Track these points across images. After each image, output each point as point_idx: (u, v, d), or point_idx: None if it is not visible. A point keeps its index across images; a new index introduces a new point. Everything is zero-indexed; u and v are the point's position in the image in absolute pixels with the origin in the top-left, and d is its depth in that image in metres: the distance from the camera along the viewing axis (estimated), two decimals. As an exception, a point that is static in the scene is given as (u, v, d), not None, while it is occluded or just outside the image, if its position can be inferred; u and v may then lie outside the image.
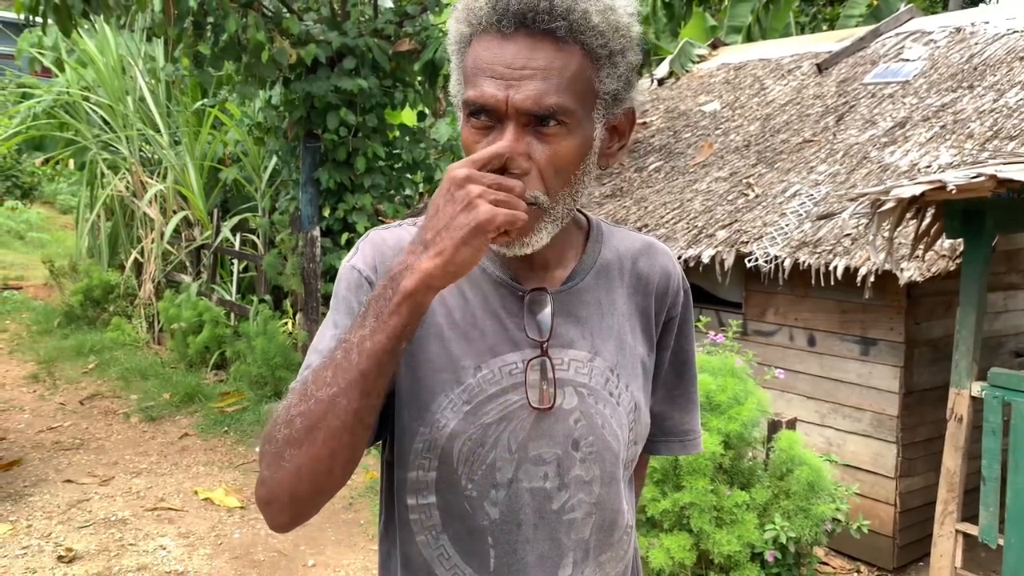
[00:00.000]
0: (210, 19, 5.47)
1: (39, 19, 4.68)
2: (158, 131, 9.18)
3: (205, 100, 8.60)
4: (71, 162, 11.23)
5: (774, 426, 3.27)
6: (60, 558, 4.05)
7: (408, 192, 7.41)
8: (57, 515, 4.56)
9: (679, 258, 4.60)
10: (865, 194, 3.08)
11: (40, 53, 9.49)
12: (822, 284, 4.01)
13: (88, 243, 10.38)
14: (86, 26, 8.83)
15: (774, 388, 4.34)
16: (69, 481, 5.05)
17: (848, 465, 4.10)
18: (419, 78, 6.51)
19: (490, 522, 1.02)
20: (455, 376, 1.01)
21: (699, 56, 7.58)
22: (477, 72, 0.93)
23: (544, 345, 1.03)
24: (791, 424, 3.33)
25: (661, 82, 7.59)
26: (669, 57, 7.60)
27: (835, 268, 3.92)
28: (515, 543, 1.03)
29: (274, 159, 7.83)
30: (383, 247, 1.04)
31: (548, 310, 1.04)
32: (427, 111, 7.48)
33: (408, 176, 7.28)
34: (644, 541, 2.99)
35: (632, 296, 1.13)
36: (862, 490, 4.04)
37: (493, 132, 0.93)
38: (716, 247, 4.50)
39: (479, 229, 0.81)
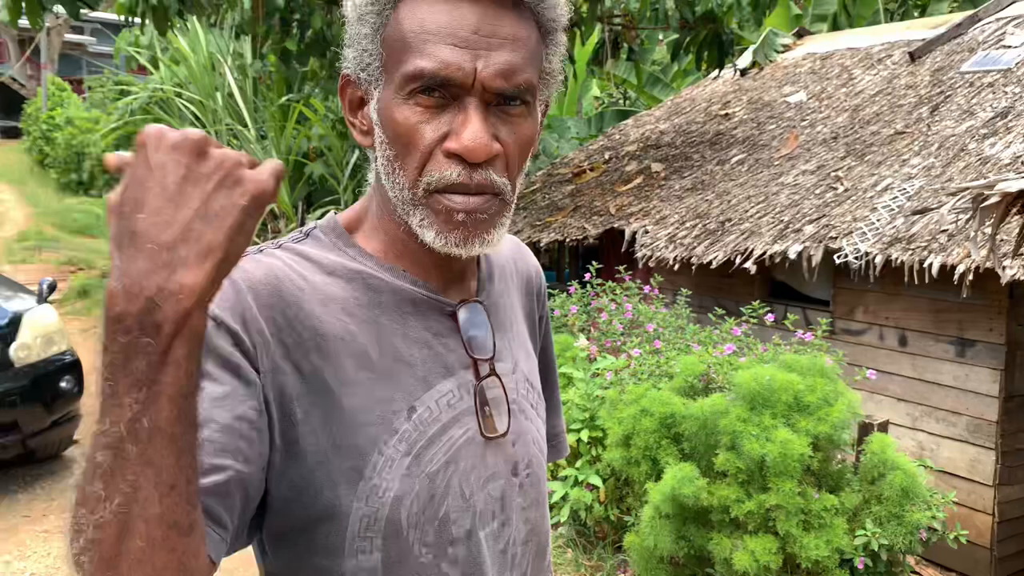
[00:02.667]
0: (296, 16, 5.61)
1: (137, 19, 4.90)
2: (245, 126, 9.48)
3: (290, 96, 8.85)
4: (164, 156, 11.70)
5: (865, 429, 3.17)
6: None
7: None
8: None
9: (763, 253, 4.49)
10: (967, 188, 2.95)
11: (136, 52, 9.92)
12: (915, 282, 3.85)
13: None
14: (179, 25, 9.19)
15: (863, 389, 4.20)
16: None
17: (942, 471, 3.94)
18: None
19: None
20: (387, 425, 0.79)
21: (783, 45, 7.38)
22: (428, 37, 0.75)
23: (491, 363, 0.88)
24: (883, 427, 3.22)
25: (744, 72, 7.42)
26: (752, 47, 7.43)
27: (930, 265, 3.76)
28: None
29: (356, 153, 8.00)
30: (248, 286, 0.76)
31: (479, 324, 0.89)
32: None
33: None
34: (727, 542, 2.95)
35: (521, 299, 1.02)
36: (957, 497, 3.88)
37: (447, 110, 0.76)
38: (803, 243, 4.38)
39: (257, 204, 0.57)
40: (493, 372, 0.88)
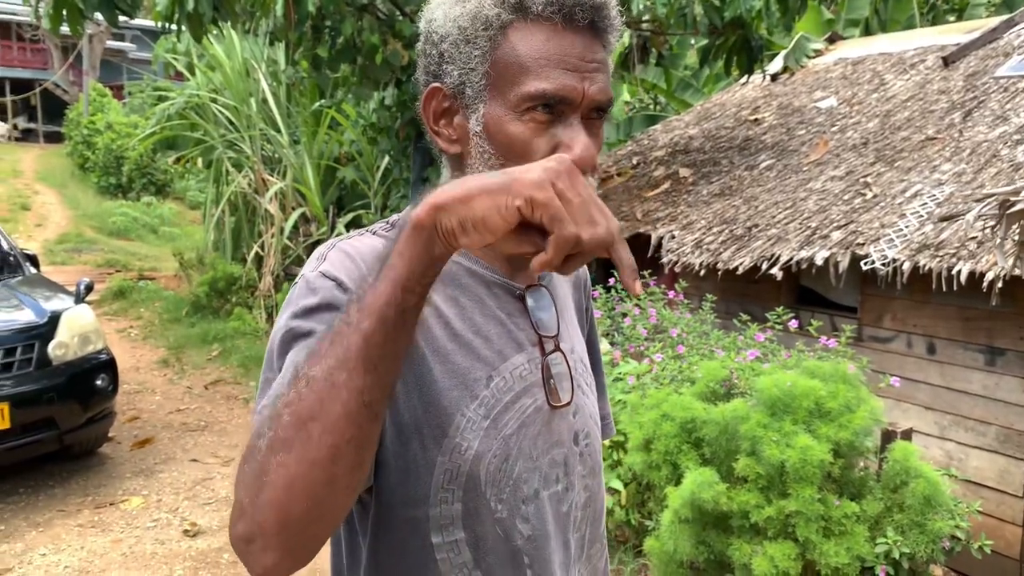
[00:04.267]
0: (327, 23, 5.71)
1: (174, 26, 5.02)
2: (278, 131, 9.63)
3: (322, 101, 8.97)
4: (199, 160, 11.94)
5: (888, 436, 3.14)
6: (186, 532, 4.34)
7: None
8: (184, 491, 4.88)
9: (790, 259, 4.47)
10: (993, 194, 2.92)
11: (174, 58, 10.12)
12: (944, 289, 3.81)
13: (214, 237, 11.02)
14: (215, 32, 9.37)
15: (890, 397, 4.16)
16: (195, 460, 5.39)
17: (970, 481, 3.89)
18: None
19: (524, 540, 0.95)
20: (469, 391, 0.91)
21: (815, 51, 7.32)
22: (545, 62, 0.86)
23: (556, 341, 1.01)
24: (906, 434, 3.19)
25: (774, 77, 7.37)
26: (783, 52, 7.38)
27: (959, 272, 3.72)
28: (547, 556, 0.97)
29: (386, 158, 8.09)
30: (358, 257, 0.89)
31: (545, 306, 1.02)
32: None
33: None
34: (747, 548, 2.94)
35: (571, 290, 1.14)
36: (986, 508, 3.82)
37: (554, 125, 0.88)
38: (831, 249, 4.34)
39: (603, 245, 0.68)
40: (558, 348, 1.00)
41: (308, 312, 0.84)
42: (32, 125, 26.88)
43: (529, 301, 1.00)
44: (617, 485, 3.66)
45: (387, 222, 0.98)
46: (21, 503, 4.64)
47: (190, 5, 4.55)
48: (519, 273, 1.00)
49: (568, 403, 1.00)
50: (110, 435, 5.51)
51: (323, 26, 5.61)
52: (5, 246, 5.53)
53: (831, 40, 7.61)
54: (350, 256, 0.88)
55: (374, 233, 0.95)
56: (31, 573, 3.87)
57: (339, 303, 0.82)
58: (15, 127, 26.38)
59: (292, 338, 0.83)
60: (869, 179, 4.90)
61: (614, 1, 0.92)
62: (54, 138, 24.97)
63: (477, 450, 0.90)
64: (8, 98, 26.17)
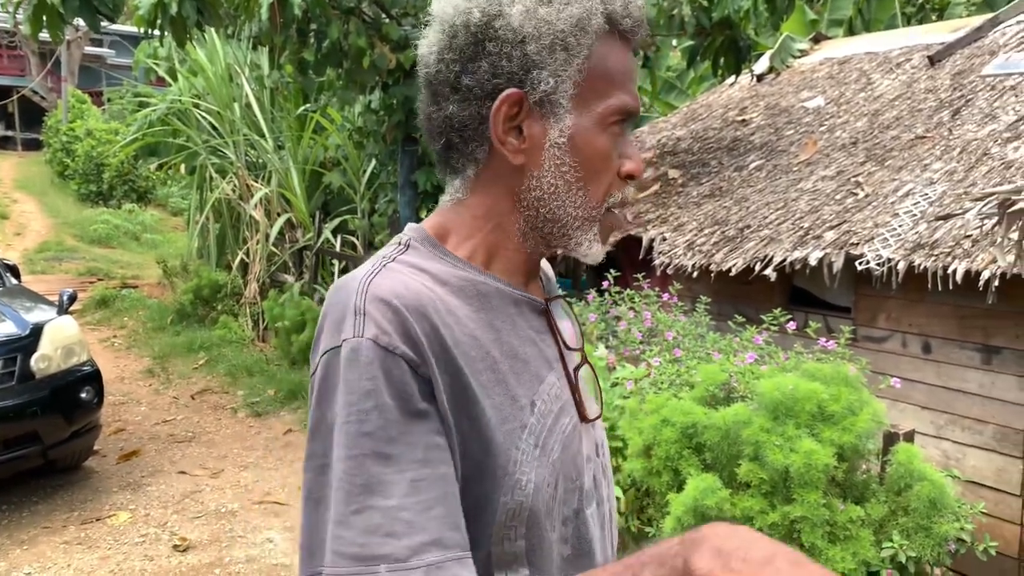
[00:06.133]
0: (313, 26, 5.63)
1: (156, 31, 4.93)
2: (263, 136, 9.53)
3: (307, 106, 8.89)
4: (182, 167, 11.81)
5: (890, 438, 3.12)
6: (175, 547, 4.25)
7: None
8: (172, 505, 4.79)
9: (783, 260, 4.45)
10: (993, 193, 2.90)
11: (155, 63, 10.00)
12: (939, 288, 3.80)
13: (198, 244, 10.90)
14: (197, 36, 9.27)
15: (886, 397, 4.14)
16: (182, 472, 5.30)
17: (969, 481, 3.87)
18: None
19: (563, 560, 0.90)
20: (518, 422, 0.85)
21: (800, 51, 7.33)
22: (627, 78, 0.88)
23: (582, 353, 0.99)
24: (909, 436, 3.17)
25: (760, 78, 7.37)
26: (769, 52, 7.38)
27: (954, 271, 3.70)
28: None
29: (373, 162, 8.02)
30: (403, 303, 0.78)
31: (567, 319, 1.01)
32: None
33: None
34: (751, 554, 2.90)
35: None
36: (984, 507, 3.81)
37: (618, 139, 0.90)
38: (824, 249, 4.33)
39: None
40: (586, 361, 0.98)
41: (378, 410, 0.74)
42: (10, 133, 26.54)
43: (554, 314, 0.97)
44: (616, 492, 3.61)
45: (399, 243, 0.91)
46: (4, 520, 4.54)
47: (173, 9, 4.47)
48: (533, 285, 0.97)
49: (599, 416, 0.98)
50: (95, 448, 5.41)
51: (309, 29, 5.54)
52: (-15, 257, 5.42)
53: (816, 40, 7.62)
54: (394, 309, 0.77)
55: (393, 260, 0.87)
56: (17, 593, 3.78)
57: (411, 393, 0.75)
58: (-8, 135, 26.03)
59: (373, 456, 0.73)
60: (860, 178, 4.89)
61: None
62: (32, 145, 24.67)
63: (536, 482, 0.84)
64: (-15, 105, 25.83)
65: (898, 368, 4.23)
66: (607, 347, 4.39)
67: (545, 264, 1.09)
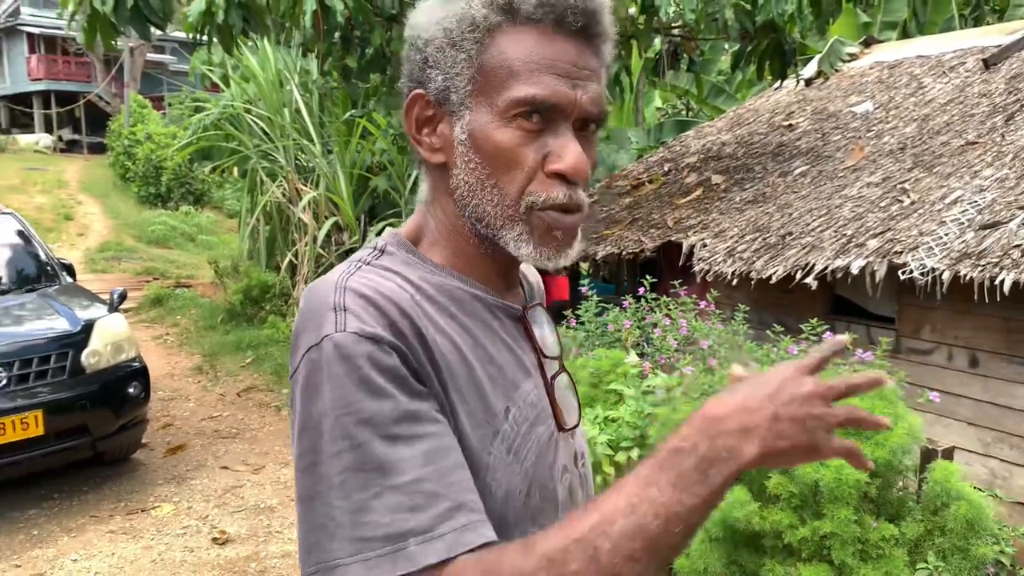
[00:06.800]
0: (356, 33, 5.72)
1: (204, 38, 5.08)
2: (311, 141, 9.70)
3: (353, 111, 9.02)
4: (235, 170, 12.10)
5: (928, 455, 3.03)
6: (215, 540, 4.35)
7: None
8: (214, 499, 4.90)
9: (825, 268, 4.36)
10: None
11: (209, 69, 10.26)
12: (986, 300, 3.68)
13: (249, 246, 11.14)
14: (249, 43, 9.49)
15: (931, 412, 4.03)
16: (225, 468, 5.42)
17: (1015, 502, 3.74)
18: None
19: None
20: (492, 428, 0.84)
21: (850, 55, 7.18)
22: (535, 67, 0.81)
23: (560, 361, 0.96)
24: (948, 453, 3.07)
25: (808, 82, 7.24)
26: (817, 56, 7.25)
27: (1002, 282, 3.59)
28: None
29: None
30: (384, 297, 0.79)
31: (545, 326, 0.98)
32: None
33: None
34: (781, 570, 2.85)
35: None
36: (1031, 527, 3.68)
37: (544, 134, 0.83)
38: (867, 257, 4.23)
39: (811, 451, 0.73)
40: (564, 369, 0.96)
41: (374, 396, 0.74)
42: (76, 136, 27.55)
43: (532, 322, 0.96)
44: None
45: (374, 248, 0.91)
46: (55, 508, 4.70)
47: (220, 17, 4.59)
48: (509, 293, 0.95)
49: (576, 425, 0.96)
50: (143, 442, 5.57)
51: (352, 36, 5.63)
52: (43, 256, 5.63)
53: (866, 43, 7.46)
54: (375, 303, 0.78)
55: (368, 263, 0.87)
56: (62, 580, 3.91)
57: (404, 376, 0.75)
58: (60, 139, 27.05)
59: (376, 402, 0.74)
60: (907, 185, 4.77)
61: (608, 9, 0.86)
62: (97, 149, 25.55)
63: (507, 488, 0.83)
64: (54, 110, 26.87)
65: (943, 382, 4.12)
66: (640, 354, 4.36)
67: (530, 271, 1.09)
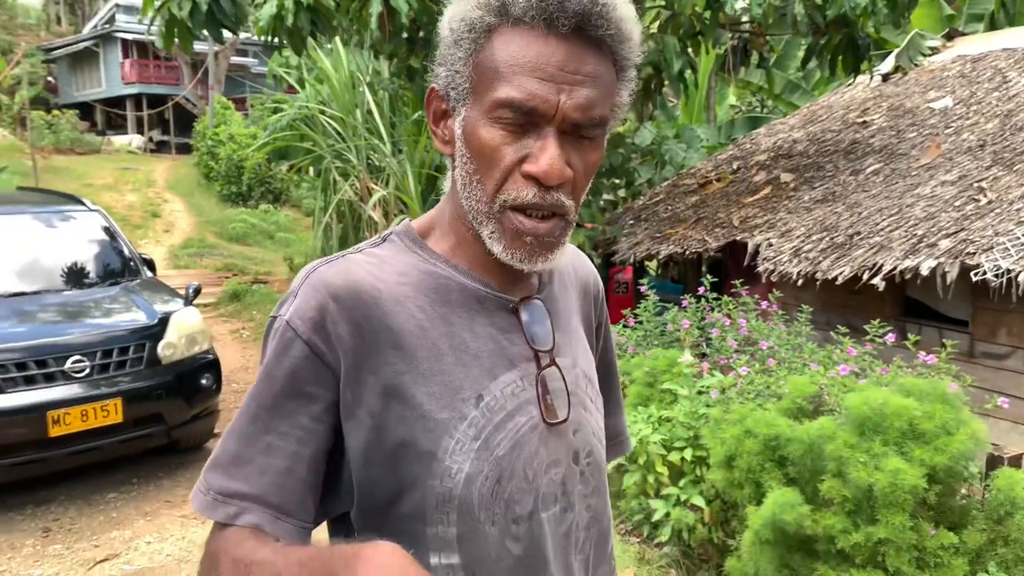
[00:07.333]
0: (422, 34, 5.82)
1: (275, 41, 5.25)
2: (382, 141, 9.90)
3: (422, 111, 9.15)
4: (310, 169, 12.43)
5: (994, 462, 2.91)
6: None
7: (608, 197, 7.40)
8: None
9: (893, 269, 4.22)
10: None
11: (286, 72, 10.58)
12: (1066, 303, 3.51)
13: (322, 243, 11.44)
14: (327, 46, 9.74)
15: (1005, 419, 3.86)
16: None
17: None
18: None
19: (513, 559, 0.92)
20: (457, 412, 0.88)
21: (931, 48, 6.91)
22: (519, 69, 0.83)
23: (551, 355, 0.96)
24: (1016, 461, 2.94)
25: (886, 78, 7.00)
26: (896, 50, 7.00)
27: (1083, 285, 3.41)
28: None
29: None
30: (331, 293, 0.88)
31: (540, 319, 0.98)
32: (627, 116, 7.43)
33: (604, 181, 7.28)
34: (832, 575, 2.78)
35: (578, 301, 1.09)
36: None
37: (528, 135, 0.85)
38: (937, 258, 4.08)
39: None
40: (554, 363, 0.96)
41: (275, 363, 0.89)
42: (165, 137, 28.76)
43: (523, 315, 0.96)
44: (699, 502, 3.55)
45: (380, 237, 0.98)
46: (133, 492, 4.94)
47: (289, 20, 4.75)
48: (517, 285, 0.97)
49: (565, 420, 0.96)
50: (216, 431, 5.79)
51: (417, 37, 5.72)
52: (126, 252, 5.91)
53: (949, 37, 7.16)
54: (320, 299, 0.88)
55: (360, 252, 0.94)
56: (136, 559, 4.10)
57: (301, 376, 0.87)
58: (151, 140, 28.31)
59: (266, 380, 0.90)
60: (984, 184, 4.57)
61: (616, 9, 0.85)
62: (184, 149, 26.61)
63: (468, 472, 0.88)
64: (145, 112, 28.12)
65: (1020, 388, 3.94)
66: (701, 355, 4.30)
67: (580, 261, 1.12)
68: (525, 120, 0.84)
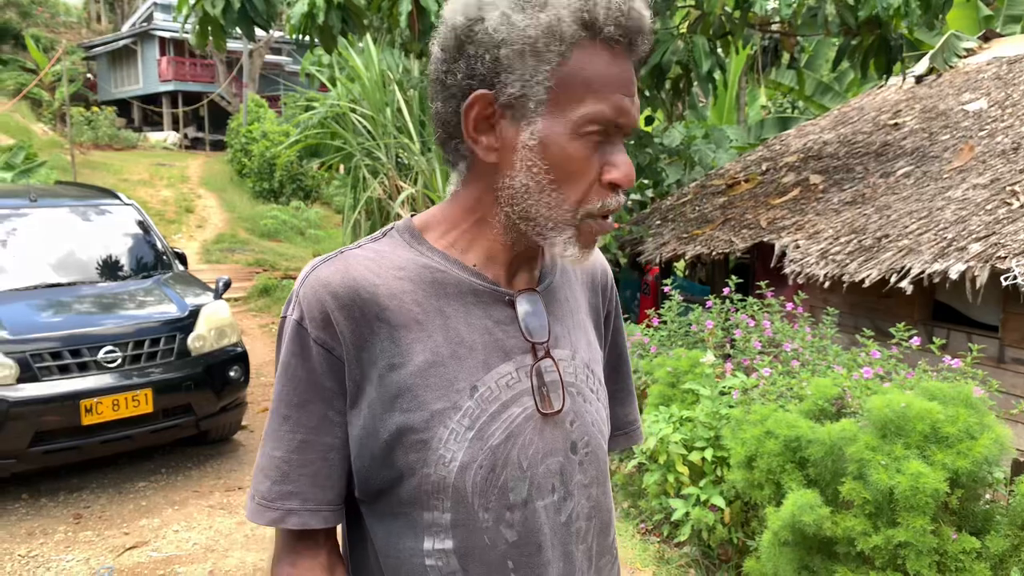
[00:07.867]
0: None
1: (307, 39, 5.32)
2: (411, 139, 9.97)
3: (451, 110, 9.19)
4: (341, 167, 12.55)
5: (1020, 467, 2.88)
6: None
7: (636, 197, 7.39)
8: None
9: (921, 272, 4.18)
10: None
11: (318, 70, 10.69)
12: (1099, 309, 3.45)
13: (351, 240, 11.55)
14: (360, 45, 9.82)
15: (1033, 425, 3.81)
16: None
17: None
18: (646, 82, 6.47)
19: (508, 545, 0.94)
20: (451, 403, 0.92)
21: (967, 50, 6.80)
22: (607, 86, 0.87)
23: (546, 347, 0.98)
24: (1041, 467, 2.91)
25: (919, 79, 6.91)
26: (930, 52, 6.90)
27: (1116, 291, 3.35)
28: (540, 565, 0.96)
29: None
30: (330, 292, 0.92)
31: (537, 312, 0.99)
32: (656, 116, 7.41)
33: (634, 181, 7.26)
34: (851, 577, 2.77)
35: (585, 292, 1.12)
36: None
37: (602, 144, 0.90)
38: (967, 262, 4.03)
39: None
40: (548, 355, 0.98)
41: (293, 362, 0.95)
42: (200, 134, 29.18)
43: (521, 307, 0.98)
44: (719, 502, 3.54)
45: (381, 232, 1.01)
46: (162, 482, 5.04)
47: (320, 18, 4.81)
48: (516, 277, 1.00)
49: (560, 410, 0.98)
50: (244, 424, 5.88)
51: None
52: (159, 245, 6.03)
53: (985, 38, 7.04)
54: (320, 298, 0.92)
55: (359, 247, 0.98)
56: (164, 547, 4.19)
57: (319, 372, 0.93)
58: (186, 136, 28.75)
59: (285, 381, 0.96)
60: (1017, 187, 4.50)
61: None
62: (218, 146, 26.98)
63: (462, 461, 0.91)
64: (180, 109, 28.58)
65: (1050, 395, 3.88)
66: (725, 356, 4.29)
67: (595, 257, 1.15)
68: (609, 133, 0.90)
